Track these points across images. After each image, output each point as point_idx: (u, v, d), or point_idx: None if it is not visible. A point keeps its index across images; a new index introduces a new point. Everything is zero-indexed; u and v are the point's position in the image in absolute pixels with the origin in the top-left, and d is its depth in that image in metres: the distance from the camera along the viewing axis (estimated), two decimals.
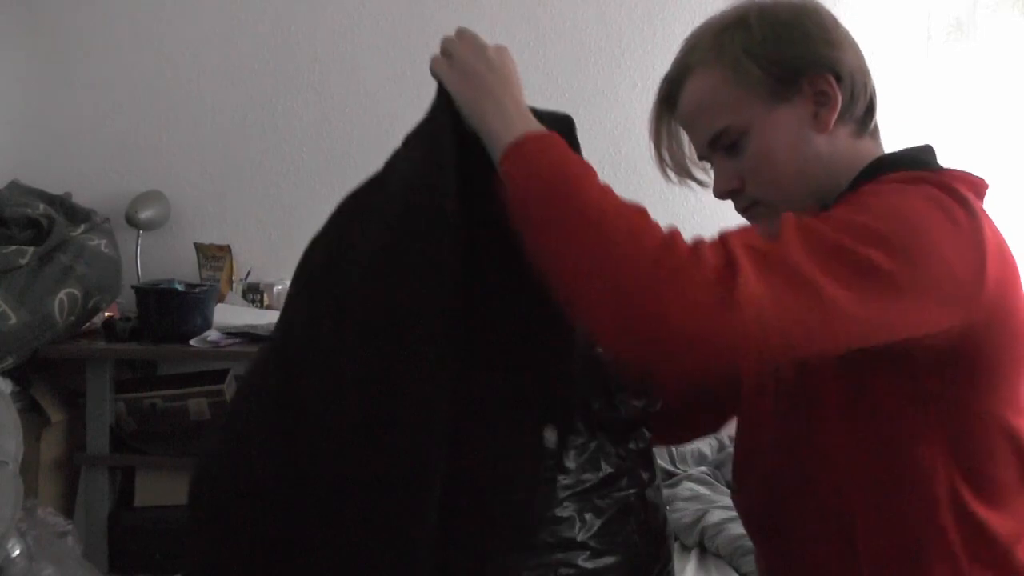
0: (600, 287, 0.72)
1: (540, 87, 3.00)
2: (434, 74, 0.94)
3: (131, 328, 2.45)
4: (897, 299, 0.76)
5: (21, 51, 2.93)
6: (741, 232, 0.77)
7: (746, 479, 1.06)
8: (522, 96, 0.90)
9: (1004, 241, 0.88)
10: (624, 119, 2.88)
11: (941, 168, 0.94)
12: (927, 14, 3.09)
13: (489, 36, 3.44)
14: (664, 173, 1.06)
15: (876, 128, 1.00)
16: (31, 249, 2.34)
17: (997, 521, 0.86)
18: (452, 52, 0.95)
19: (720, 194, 0.99)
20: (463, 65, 0.93)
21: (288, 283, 3.08)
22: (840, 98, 0.94)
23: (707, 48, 0.97)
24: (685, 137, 1.03)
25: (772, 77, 0.94)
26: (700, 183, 1.06)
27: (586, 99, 2.94)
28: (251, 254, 2.92)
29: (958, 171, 0.93)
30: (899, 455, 0.86)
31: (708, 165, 1.03)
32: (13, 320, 2.23)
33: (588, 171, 0.80)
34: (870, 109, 0.98)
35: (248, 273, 2.86)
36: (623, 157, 2.77)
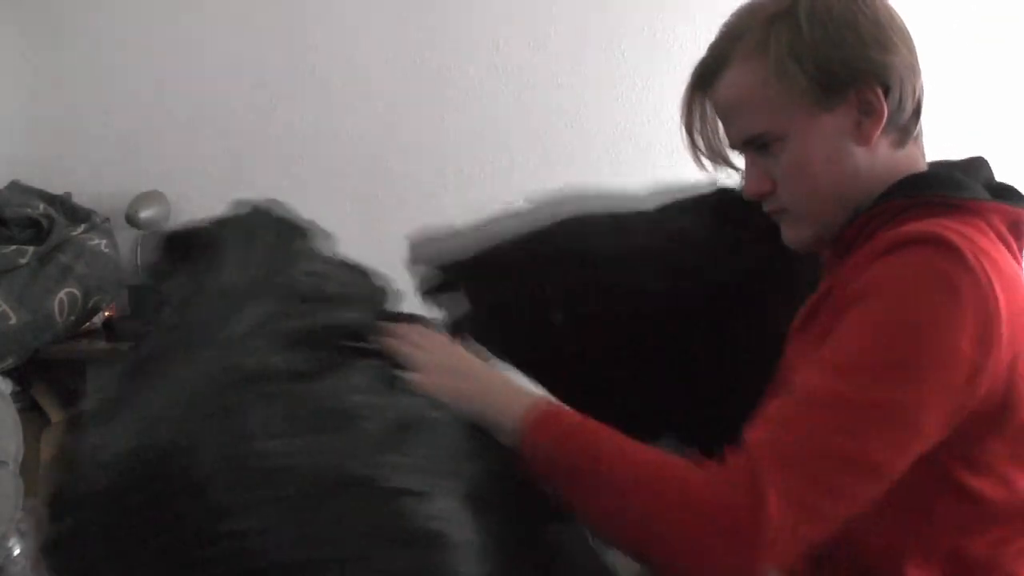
0: (656, 552, 0.79)
1: (540, 87, 3.01)
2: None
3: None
4: (917, 418, 0.77)
5: (21, 51, 2.93)
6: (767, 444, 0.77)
7: None
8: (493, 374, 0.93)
9: (1018, 282, 0.83)
10: (624, 119, 2.88)
11: (967, 200, 0.88)
12: (932, 14, 3.08)
13: (490, 36, 3.45)
14: (697, 159, 1.00)
15: (920, 132, 0.94)
16: (31, 249, 2.35)
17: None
18: (423, 363, 0.89)
19: (751, 195, 0.96)
20: (440, 370, 0.89)
21: None
22: (887, 111, 0.88)
23: (752, 40, 0.91)
24: (720, 122, 0.98)
25: (817, 85, 0.88)
26: (737, 169, 1.01)
27: (586, 99, 2.94)
28: None
29: (991, 204, 0.87)
30: None
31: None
32: (13, 320, 2.24)
33: (600, 437, 0.82)
34: (916, 114, 0.92)
35: None
36: (623, 158, 2.77)
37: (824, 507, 0.75)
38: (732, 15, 0.95)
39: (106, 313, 2.59)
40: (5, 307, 2.23)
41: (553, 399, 0.88)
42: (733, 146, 0.98)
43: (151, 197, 2.83)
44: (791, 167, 0.91)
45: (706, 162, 1.00)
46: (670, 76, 3.23)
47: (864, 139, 0.89)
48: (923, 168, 0.93)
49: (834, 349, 0.80)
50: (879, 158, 0.90)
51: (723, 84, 0.93)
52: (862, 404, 0.76)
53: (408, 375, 0.86)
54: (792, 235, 0.95)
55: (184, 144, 2.96)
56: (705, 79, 0.96)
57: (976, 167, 0.94)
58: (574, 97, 2.98)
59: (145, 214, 2.77)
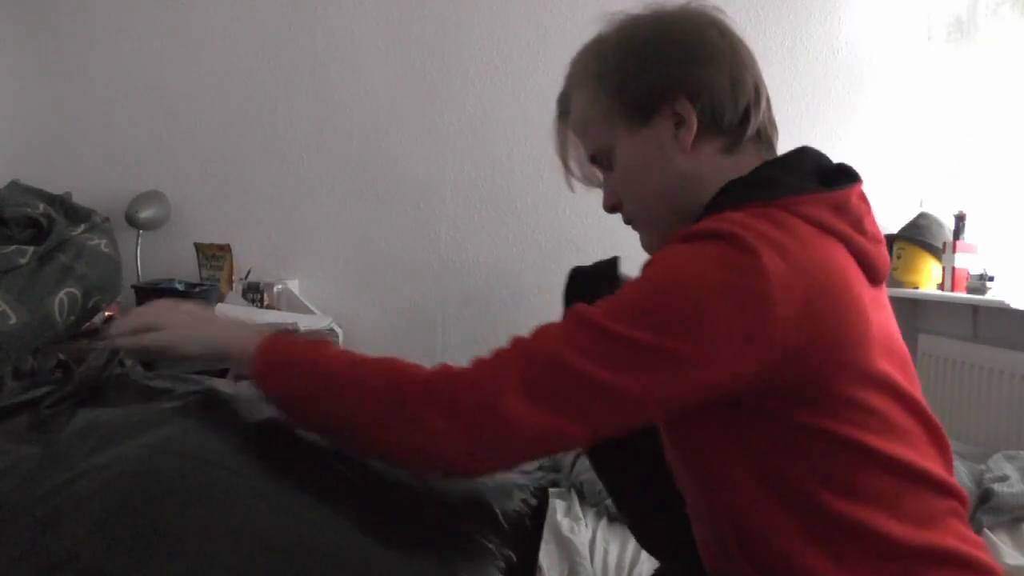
0: (364, 445, 0.93)
1: (540, 87, 3.01)
2: (159, 349, 1.07)
3: None
4: (670, 369, 0.82)
5: (21, 51, 2.94)
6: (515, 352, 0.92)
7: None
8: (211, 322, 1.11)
9: (816, 268, 0.86)
10: None
11: (775, 199, 0.92)
12: (927, 14, 3.09)
13: (490, 36, 3.46)
14: (568, 183, 1.11)
15: (759, 137, 0.99)
16: (31, 249, 2.34)
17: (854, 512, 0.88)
18: (164, 322, 1.08)
19: (606, 208, 1.05)
20: (178, 324, 1.08)
21: (288, 283, 3.07)
22: (695, 119, 0.95)
23: (574, 72, 1.04)
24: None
25: (624, 104, 0.97)
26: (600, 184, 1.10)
27: None
28: (251, 254, 2.92)
29: (805, 197, 0.92)
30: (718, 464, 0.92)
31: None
32: (13, 320, 2.23)
33: (318, 352, 0.95)
34: (744, 122, 0.97)
35: (248, 273, 2.86)
36: None
37: (565, 409, 0.83)
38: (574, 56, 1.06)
39: (106, 313, 2.59)
40: (5, 307, 2.22)
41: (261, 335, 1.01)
42: (588, 169, 1.09)
43: (151, 197, 2.83)
44: (622, 176, 1.01)
45: (576, 184, 1.11)
46: None
47: (683, 146, 0.96)
48: (744, 172, 0.97)
49: (608, 299, 0.88)
50: (705, 163, 0.97)
51: (571, 112, 1.05)
52: (616, 338, 0.84)
53: (153, 335, 1.04)
54: (644, 241, 1.05)
55: (184, 144, 2.97)
56: (561, 109, 1.08)
57: (799, 159, 0.99)
58: None
59: (145, 214, 2.77)
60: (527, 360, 0.89)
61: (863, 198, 0.97)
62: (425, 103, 3.02)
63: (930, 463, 0.91)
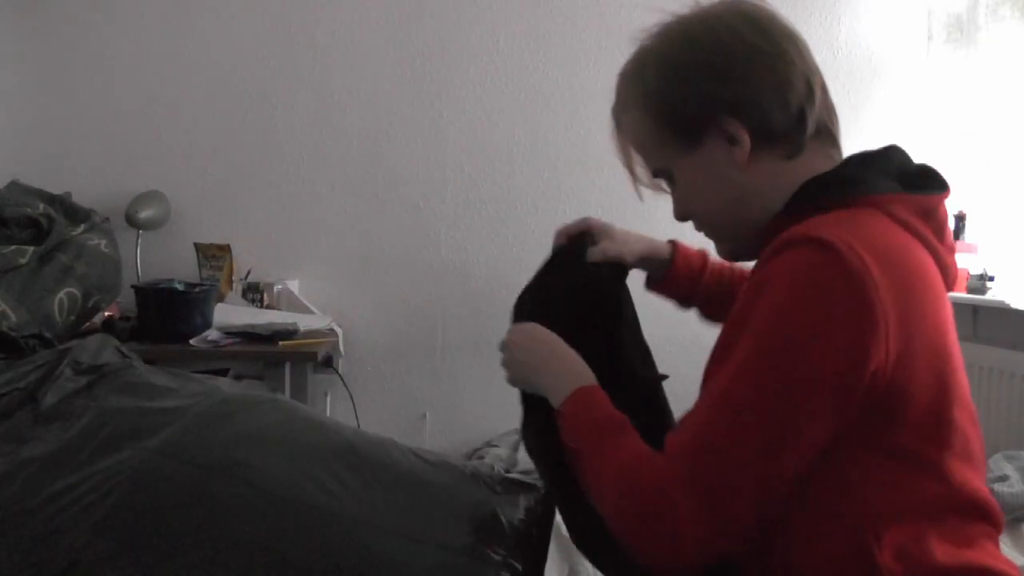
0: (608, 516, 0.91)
1: (540, 87, 3.01)
2: (512, 379, 1.14)
3: (131, 328, 2.45)
4: (797, 422, 0.82)
5: (21, 51, 2.93)
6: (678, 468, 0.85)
7: None
8: (563, 359, 1.05)
9: (918, 269, 0.86)
10: None
11: (859, 196, 0.91)
12: (927, 14, 3.09)
13: (489, 36, 3.46)
14: (636, 190, 1.09)
15: (819, 133, 0.95)
16: (31, 249, 2.34)
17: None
18: (506, 362, 1.12)
19: (677, 218, 1.04)
20: (516, 364, 1.11)
21: (288, 283, 3.07)
22: (747, 134, 0.92)
23: (619, 100, 1.02)
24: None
25: (672, 130, 0.96)
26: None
27: (585, 99, 2.94)
28: (251, 254, 2.92)
29: (890, 196, 0.91)
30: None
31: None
32: (13, 320, 2.23)
33: (612, 418, 0.95)
34: (801, 123, 0.93)
35: (248, 273, 2.86)
36: None
37: (726, 504, 0.82)
38: (617, 75, 1.04)
39: (106, 313, 2.59)
40: (5, 307, 2.22)
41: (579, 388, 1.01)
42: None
43: (151, 197, 2.83)
44: (684, 196, 1.00)
45: (644, 191, 1.09)
46: None
47: (739, 165, 0.94)
48: (822, 170, 0.95)
49: (733, 360, 0.86)
50: (765, 176, 0.94)
51: (623, 133, 1.04)
52: (748, 410, 0.82)
53: (505, 362, 1.11)
54: (718, 249, 1.05)
55: (184, 144, 2.97)
56: (617, 122, 1.06)
57: (886, 157, 0.96)
58: (573, 96, 2.99)
59: (145, 214, 2.77)
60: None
61: (945, 207, 0.96)
62: (425, 103, 3.02)
63: (980, 484, 0.90)
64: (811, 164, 0.94)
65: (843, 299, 0.80)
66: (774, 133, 0.93)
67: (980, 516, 0.90)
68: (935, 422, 0.86)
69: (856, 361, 0.80)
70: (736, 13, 0.94)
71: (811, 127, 0.94)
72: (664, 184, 1.05)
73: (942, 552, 0.85)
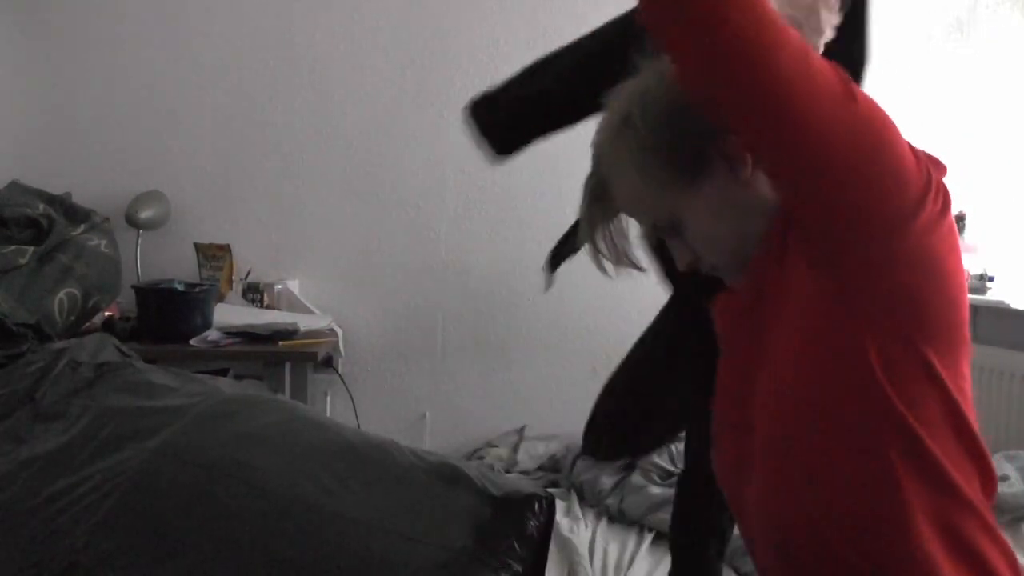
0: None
1: None
2: None
3: (131, 328, 2.45)
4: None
5: (21, 51, 2.93)
6: None
7: (718, 435, 1.09)
8: None
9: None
10: None
11: None
12: (927, 14, 3.09)
13: (489, 36, 3.45)
14: (600, 265, 1.08)
15: None
16: (31, 249, 2.34)
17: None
18: None
19: (683, 268, 1.03)
20: None
21: (288, 283, 3.06)
22: (748, 154, 0.94)
23: (610, 158, 1.00)
24: (621, 226, 1.07)
25: (679, 169, 0.96)
26: (638, 267, 1.10)
27: None
28: (251, 254, 2.92)
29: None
30: (842, 370, 0.89)
31: (647, 243, 1.12)
32: (5, 308, 2.23)
33: None
34: None
35: (248, 273, 2.86)
36: None
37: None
38: (595, 133, 1.03)
39: (106, 313, 2.59)
40: (5, 307, 2.22)
41: None
42: (651, 236, 1.09)
43: (151, 197, 2.83)
44: (698, 239, 0.99)
45: (608, 266, 1.08)
46: None
47: (743, 183, 0.95)
48: None
49: None
50: (764, 185, 0.95)
51: (615, 195, 1.02)
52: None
53: None
54: (731, 282, 1.03)
55: (184, 144, 2.96)
56: (597, 195, 1.05)
57: None
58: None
59: (145, 214, 2.77)
60: None
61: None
62: (425, 103, 3.01)
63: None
64: None
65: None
66: None
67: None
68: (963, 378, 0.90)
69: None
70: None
71: None
72: (627, 255, 1.06)
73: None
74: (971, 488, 0.89)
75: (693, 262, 1.02)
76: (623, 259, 1.08)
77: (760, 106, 0.84)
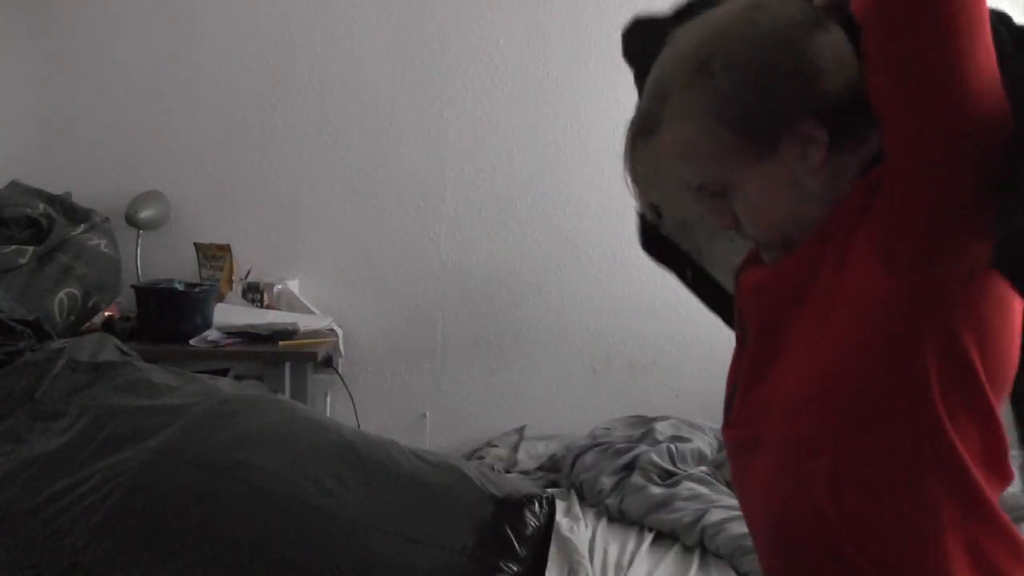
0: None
1: (540, 87, 3.01)
2: None
3: (131, 328, 2.45)
4: None
5: (21, 51, 2.93)
6: None
7: (732, 412, 1.03)
8: None
9: None
10: (624, 119, 2.88)
11: None
12: None
13: (489, 36, 3.46)
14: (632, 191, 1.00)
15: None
16: (31, 249, 2.35)
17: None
18: None
19: (721, 228, 0.95)
20: None
21: (288, 283, 3.06)
22: (827, 138, 0.86)
23: (676, 103, 0.90)
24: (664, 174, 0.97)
25: (747, 140, 0.87)
26: (659, 214, 1.04)
27: (586, 99, 2.94)
28: (251, 254, 2.92)
29: None
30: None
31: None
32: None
33: None
34: (867, 113, 0.85)
35: (248, 273, 2.86)
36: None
37: None
38: (656, 68, 0.93)
39: (106, 313, 2.59)
40: (5, 307, 2.22)
41: None
42: (691, 190, 0.96)
43: (151, 197, 2.83)
44: (748, 211, 0.91)
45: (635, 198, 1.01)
46: None
47: (813, 168, 0.87)
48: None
49: None
50: (835, 175, 0.88)
51: (661, 143, 0.93)
52: None
53: None
54: (768, 258, 0.96)
55: (184, 144, 2.96)
56: (642, 137, 0.95)
57: None
58: (573, 96, 2.99)
59: (145, 214, 2.77)
60: None
61: None
62: (425, 103, 3.01)
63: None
64: (864, 153, 0.89)
65: None
66: (848, 133, 0.87)
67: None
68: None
69: None
70: (787, 13, 0.88)
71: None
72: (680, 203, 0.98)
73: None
74: (997, 508, 0.88)
75: (732, 227, 0.93)
76: (648, 208, 1.01)
77: (948, 80, 0.76)
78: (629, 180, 0.98)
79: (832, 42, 0.87)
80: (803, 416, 0.88)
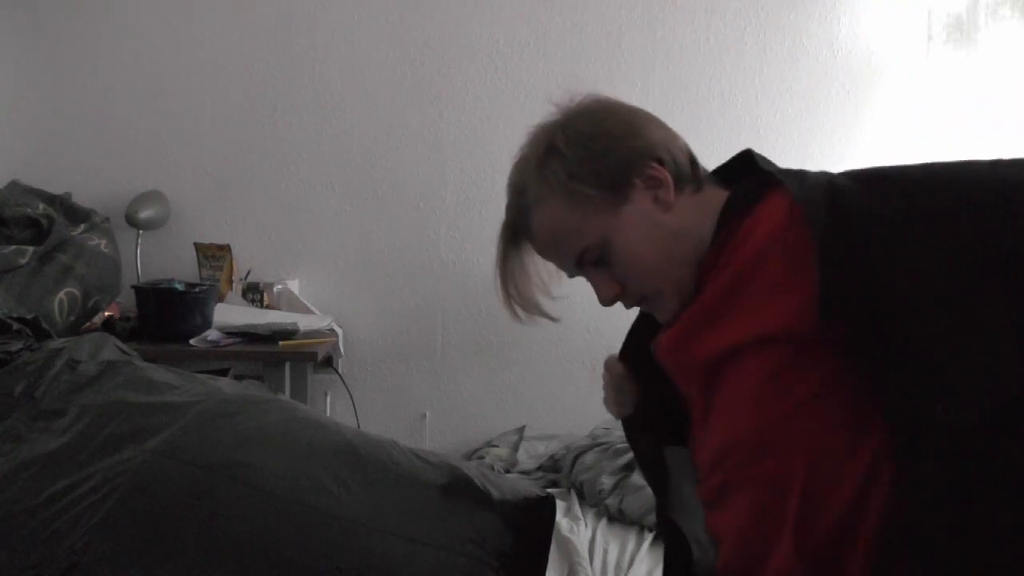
0: None
1: (540, 87, 3.00)
2: None
3: (131, 328, 2.46)
4: None
5: (21, 51, 2.93)
6: None
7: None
8: None
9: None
10: None
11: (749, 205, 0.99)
12: (927, 14, 3.09)
13: (489, 36, 3.45)
14: (512, 310, 1.09)
15: (701, 169, 1.05)
16: (31, 249, 2.34)
17: None
18: None
19: (605, 302, 1.05)
20: None
21: (288, 283, 3.05)
22: (670, 177, 0.99)
23: (536, 186, 1.02)
24: (533, 269, 1.08)
25: (604, 188, 0.99)
26: (549, 317, 1.11)
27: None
28: (251, 254, 2.92)
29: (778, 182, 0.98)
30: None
31: (557, 293, 1.10)
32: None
33: None
34: (694, 163, 1.03)
35: (248, 273, 2.86)
36: None
37: None
38: (510, 175, 1.06)
39: (106, 313, 2.59)
40: (5, 307, 2.22)
41: None
42: (571, 274, 1.08)
43: (151, 197, 2.83)
44: (623, 263, 1.01)
45: (520, 312, 1.09)
46: (670, 74, 3.24)
47: (665, 207, 1.00)
48: (719, 196, 1.02)
49: None
50: (688, 213, 1.00)
51: (535, 232, 1.04)
52: None
53: None
54: (663, 315, 1.04)
55: (184, 144, 2.97)
56: (517, 235, 1.06)
57: (748, 158, 1.04)
58: (573, 96, 2.98)
59: (145, 214, 2.77)
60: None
61: None
62: (425, 103, 3.02)
63: None
64: (712, 194, 1.02)
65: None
66: (683, 173, 1.01)
67: None
68: None
69: None
70: (610, 99, 1.05)
71: (700, 167, 1.03)
72: (536, 302, 1.07)
73: None
74: None
75: (616, 294, 1.03)
76: (532, 306, 1.09)
77: None
78: (505, 297, 1.08)
79: (652, 117, 1.03)
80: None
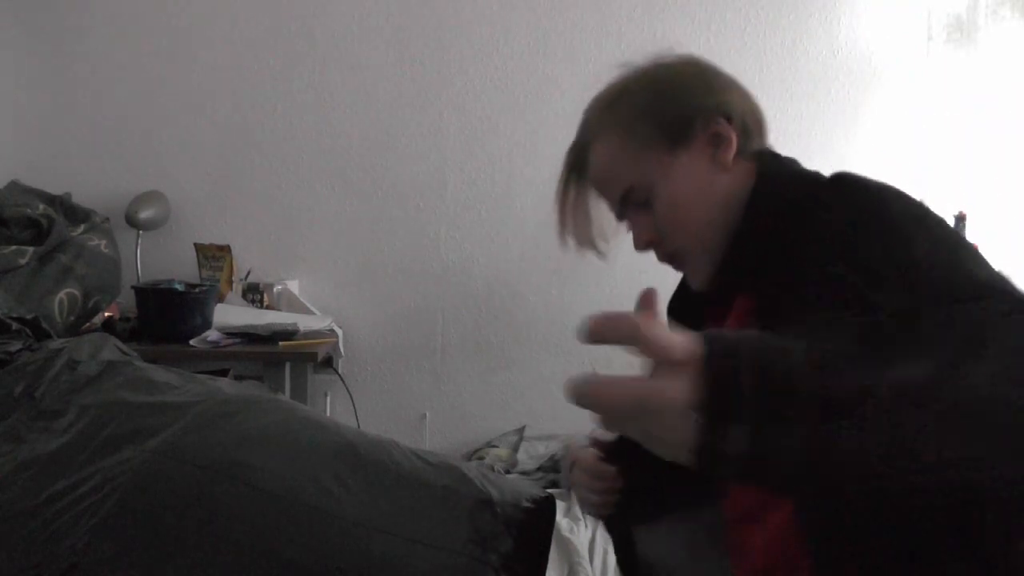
0: None
1: (540, 87, 3.01)
2: None
3: (131, 328, 2.45)
4: None
5: (21, 51, 2.93)
6: None
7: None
8: None
9: None
10: None
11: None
12: (927, 14, 3.09)
13: (490, 36, 3.45)
14: (563, 239, 1.08)
15: (769, 146, 1.03)
16: (31, 249, 2.34)
17: None
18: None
19: (639, 246, 1.03)
20: None
21: (288, 283, 3.06)
22: (735, 137, 0.97)
23: (601, 119, 1.03)
24: (591, 206, 1.08)
25: (664, 130, 0.98)
26: (599, 252, 1.09)
27: (585, 99, 2.94)
28: (251, 254, 2.92)
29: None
30: None
31: (610, 236, 1.09)
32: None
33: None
34: (761, 130, 1.02)
35: (248, 273, 2.86)
36: None
37: None
38: (583, 113, 1.07)
39: (106, 313, 2.59)
40: (5, 307, 2.22)
41: None
42: (618, 214, 1.06)
43: (151, 197, 2.83)
44: (665, 208, 0.99)
45: (571, 242, 1.09)
46: None
47: (722, 166, 0.97)
48: (750, 174, 0.99)
49: None
50: (740, 180, 0.97)
51: (591, 164, 1.04)
52: None
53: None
54: (693, 275, 1.03)
55: (184, 144, 2.97)
56: (576, 163, 1.07)
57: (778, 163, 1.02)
58: (573, 98, 2.98)
59: (145, 214, 2.77)
60: None
61: None
62: (425, 103, 3.02)
63: None
64: (748, 166, 0.99)
65: None
66: (749, 144, 0.99)
67: None
68: None
69: None
70: (698, 58, 1.04)
71: (767, 135, 1.02)
72: (596, 233, 1.06)
73: None
74: None
75: (651, 241, 1.01)
76: (586, 240, 1.08)
77: None
78: (559, 222, 1.08)
79: (726, 76, 1.02)
80: None
